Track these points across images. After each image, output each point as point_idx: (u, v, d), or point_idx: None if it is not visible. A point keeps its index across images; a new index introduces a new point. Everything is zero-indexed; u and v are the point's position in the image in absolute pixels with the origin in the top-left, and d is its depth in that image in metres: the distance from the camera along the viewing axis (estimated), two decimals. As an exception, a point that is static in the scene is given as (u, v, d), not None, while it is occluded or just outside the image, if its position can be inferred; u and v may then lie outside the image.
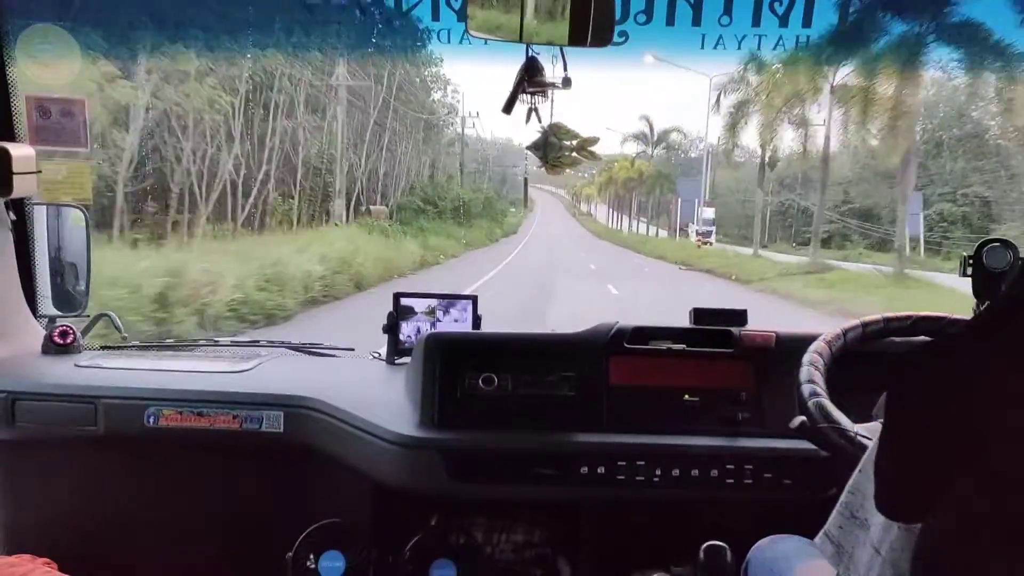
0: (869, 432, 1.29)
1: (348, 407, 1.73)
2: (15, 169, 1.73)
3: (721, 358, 1.79)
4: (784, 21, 2.19)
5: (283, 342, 2.21)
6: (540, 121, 1.52)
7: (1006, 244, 1.64)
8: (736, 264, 19.59)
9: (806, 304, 12.55)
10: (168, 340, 2.26)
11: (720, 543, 1.52)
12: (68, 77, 2.06)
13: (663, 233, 31.07)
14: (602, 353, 1.77)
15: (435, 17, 2.09)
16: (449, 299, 2.05)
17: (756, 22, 2.18)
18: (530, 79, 1.45)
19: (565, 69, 1.45)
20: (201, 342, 2.32)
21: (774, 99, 19.85)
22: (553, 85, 1.47)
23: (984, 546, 0.71)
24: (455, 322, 2.04)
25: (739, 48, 2.26)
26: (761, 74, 19.17)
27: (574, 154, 1.59)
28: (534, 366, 1.74)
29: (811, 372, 1.44)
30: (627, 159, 32.63)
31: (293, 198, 18.98)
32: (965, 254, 1.67)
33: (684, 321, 1.86)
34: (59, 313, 2.06)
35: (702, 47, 2.23)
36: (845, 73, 17.10)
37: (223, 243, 14.56)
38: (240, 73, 15.62)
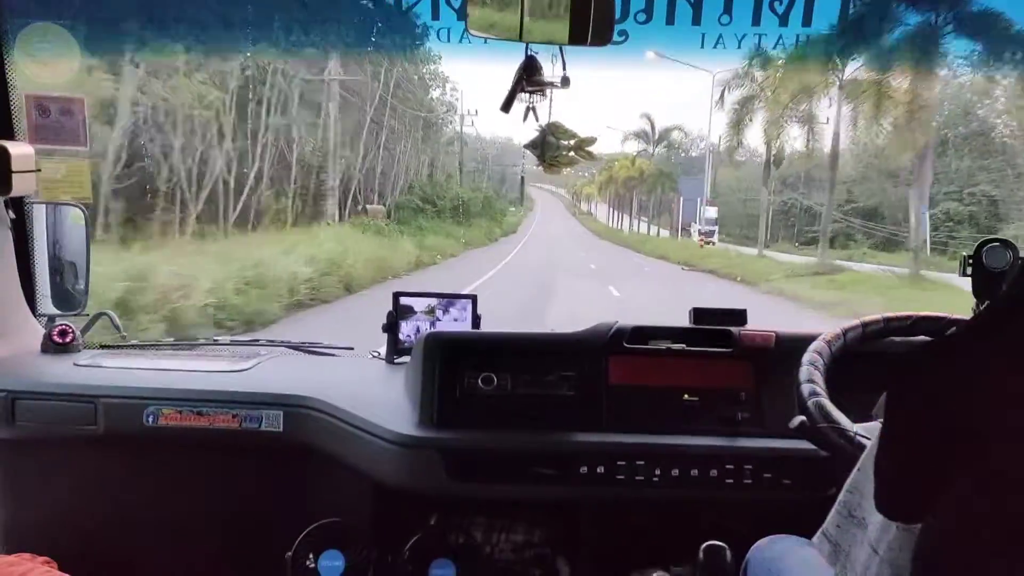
0: (868, 432, 1.29)
1: (347, 406, 1.73)
2: (14, 168, 1.73)
3: (721, 358, 1.79)
4: (784, 20, 2.19)
5: (283, 341, 2.21)
6: (537, 120, 1.52)
7: (1006, 244, 1.64)
8: (740, 264, 19.26)
9: (816, 307, 12.22)
10: (168, 339, 2.25)
11: (719, 543, 1.52)
12: (67, 76, 2.06)
13: (664, 233, 30.79)
14: (601, 353, 1.77)
15: (435, 16, 2.09)
16: (449, 298, 2.05)
17: (756, 21, 2.19)
18: (528, 78, 1.45)
19: (564, 68, 1.45)
20: (200, 341, 2.32)
21: (780, 95, 19.47)
22: (552, 84, 1.47)
23: (984, 546, 0.71)
24: (455, 321, 2.04)
25: (739, 47, 2.26)
26: (767, 69, 18.77)
27: (571, 154, 1.59)
28: (533, 366, 1.74)
29: (811, 372, 1.44)
30: (628, 158, 32.43)
31: (287, 196, 18.59)
32: (965, 254, 1.68)
33: (687, 324, 1.86)
34: (58, 312, 2.06)
35: (702, 46, 2.23)
36: (855, 67, 16.78)
37: (207, 243, 14.16)
38: (231, 68, 15.25)
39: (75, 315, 2.08)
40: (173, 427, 1.77)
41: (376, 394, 1.83)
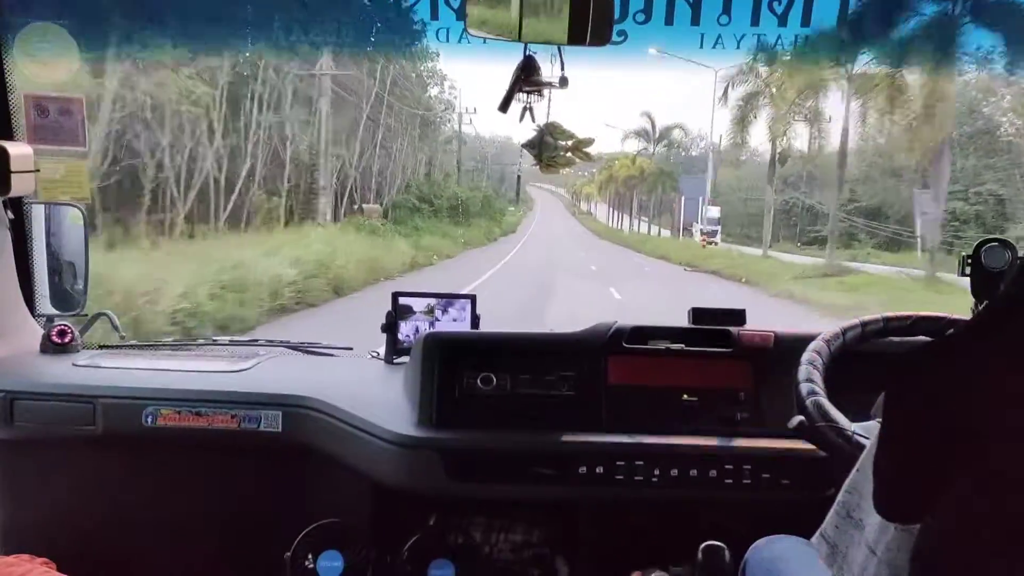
0: (867, 432, 1.29)
1: (346, 406, 1.72)
2: (13, 168, 1.72)
3: (720, 358, 1.79)
4: (783, 20, 2.19)
5: (282, 341, 2.21)
6: (534, 120, 1.52)
7: (1005, 244, 1.64)
8: (744, 265, 18.79)
9: (829, 311, 11.51)
10: (167, 340, 2.25)
11: (718, 543, 1.52)
12: (66, 75, 2.06)
13: (665, 232, 30.53)
14: (601, 353, 1.77)
15: (434, 16, 2.09)
16: (448, 298, 2.05)
17: (755, 21, 2.18)
18: (526, 78, 1.45)
19: (562, 68, 1.45)
20: (199, 341, 2.32)
21: (786, 91, 18.97)
22: (550, 84, 1.46)
23: (984, 546, 0.71)
24: (454, 321, 2.04)
25: (738, 47, 2.26)
26: (772, 65, 17.87)
27: (569, 154, 1.59)
28: (533, 366, 1.74)
29: (810, 371, 1.44)
30: (628, 157, 32.26)
31: (280, 196, 18.12)
32: (963, 254, 1.68)
33: (686, 324, 1.86)
34: (57, 312, 2.06)
35: (701, 46, 2.23)
36: (865, 61, 15.85)
37: (192, 243, 13.71)
38: (220, 63, 14.67)
39: (74, 315, 2.08)
40: (172, 427, 1.77)
41: (375, 394, 1.83)
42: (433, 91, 27.10)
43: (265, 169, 17.60)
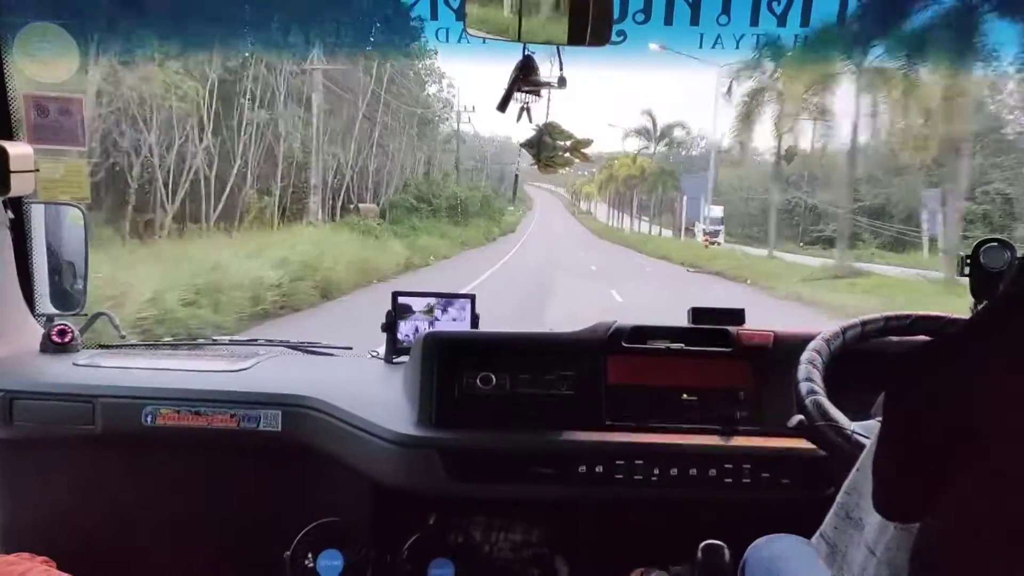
0: (866, 431, 1.29)
1: (346, 406, 1.73)
2: (13, 168, 1.72)
3: (719, 357, 1.79)
4: (783, 20, 2.19)
5: (281, 341, 2.21)
6: (531, 121, 1.52)
7: (1004, 244, 1.64)
8: (749, 266, 18.32)
9: (841, 314, 10.21)
10: (167, 339, 2.26)
11: (718, 542, 1.52)
12: (66, 75, 2.06)
13: (667, 232, 30.29)
14: (600, 352, 1.77)
15: (434, 15, 2.09)
16: (447, 298, 2.05)
17: (755, 21, 2.18)
18: (525, 78, 1.45)
19: (561, 69, 1.45)
20: (199, 341, 2.32)
21: (794, 85, 18.32)
22: (548, 84, 1.47)
23: (983, 546, 0.71)
24: (453, 321, 2.04)
25: (737, 47, 2.26)
26: (778, 60, 16.89)
27: (567, 155, 1.59)
28: (532, 365, 1.74)
29: (809, 370, 1.44)
30: (628, 156, 32.11)
31: (270, 194, 17.60)
32: (962, 253, 1.68)
33: (686, 324, 1.86)
34: (57, 312, 2.06)
35: (700, 46, 2.23)
36: (878, 54, 14.97)
37: (173, 244, 13.07)
38: (210, 57, 14.08)
39: (74, 315, 2.08)
40: (171, 427, 1.77)
41: (375, 394, 1.83)
42: (431, 89, 26.80)
43: (257, 167, 17.22)
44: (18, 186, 1.76)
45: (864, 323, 1.57)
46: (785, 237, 26.08)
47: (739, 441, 1.67)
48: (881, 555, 0.84)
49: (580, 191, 43.61)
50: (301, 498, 1.88)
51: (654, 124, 31.48)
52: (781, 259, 20.60)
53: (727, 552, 1.50)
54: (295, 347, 2.19)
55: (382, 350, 2.07)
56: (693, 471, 1.64)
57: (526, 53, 1.45)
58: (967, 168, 16.28)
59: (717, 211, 26.30)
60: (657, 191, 31.20)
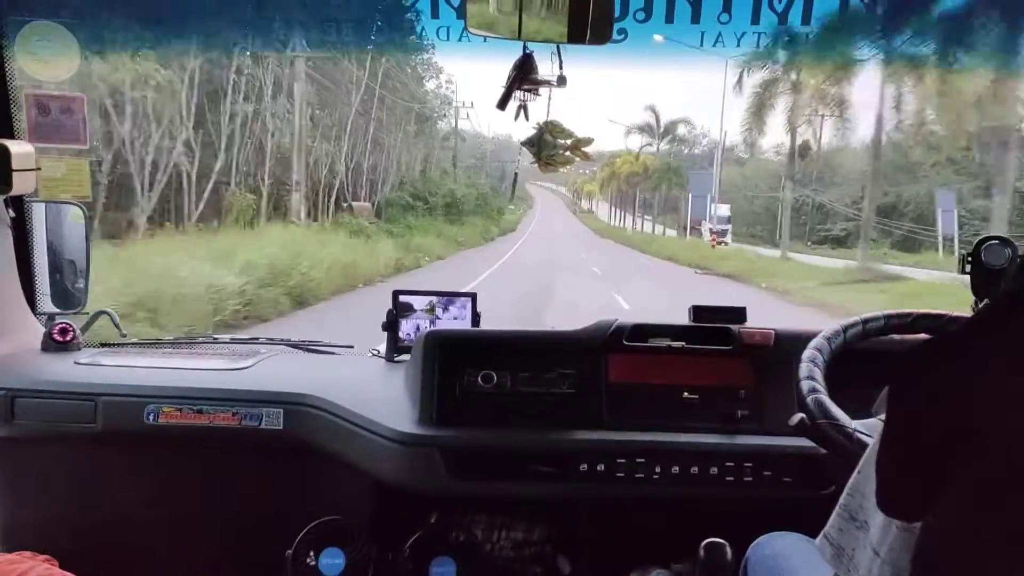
0: (868, 429, 1.29)
1: (348, 404, 1.73)
2: (14, 166, 1.73)
3: (720, 356, 1.79)
4: (784, 18, 2.19)
5: (282, 340, 2.21)
6: (528, 119, 1.52)
7: (1005, 241, 1.64)
8: (763, 268, 17.24)
9: None
10: (168, 337, 2.26)
11: (720, 540, 1.52)
12: (68, 74, 2.06)
13: (671, 232, 29.84)
14: (601, 350, 1.77)
15: (434, 14, 2.09)
16: (448, 296, 2.06)
17: (755, 20, 2.18)
18: (524, 76, 1.45)
19: (560, 67, 1.45)
20: (200, 339, 2.32)
21: (810, 76, 17.36)
22: (547, 83, 1.46)
23: (984, 546, 0.71)
24: (454, 319, 2.04)
25: (738, 45, 2.26)
26: (792, 49, 16.49)
27: (567, 153, 1.59)
28: (533, 363, 1.74)
29: (811, 369, 1.44)
30: (631, 153, 31.71)
31: (252, 192, 16.75)
32: (964, 251, 1.68)
33: (687, 322, 1.86)
34: (58, 310, 2.06)
35: (701, 44, 2.23)
36: (904, 40, 14.71)
37: (144, 245, 12.05)
38: (189, 48, 12.68)
39: (75, 313, 2.08)
40: (173, 425, 1.77)
41: (376, 392, 1.84)
42: (430, 85, 26.37)
43: (246, 164, 16.55)
44: (20, 185, 1.76)
45: (865, 321, 1.57)
46: (792, 236, 25.61)
47: (740, 439, 1.67)
48: (885, 556, 0.84)
49: (581, 189, 43.52)
50: (302, 496, 1.88)
51: (657, 120, 30.98)
52: (795, 260, 19.64)
53: (729, 550, 1.50)
54: (296, 345, 2.19)
55: (383, 348, 2.07)
56: (694, 469, 1.64)
57: (526, 52, 1.45)
58: (1013, 162, 15.58)
59: (724, 210, 25.79)
60: (661, 189, 30.75)
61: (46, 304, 2.05)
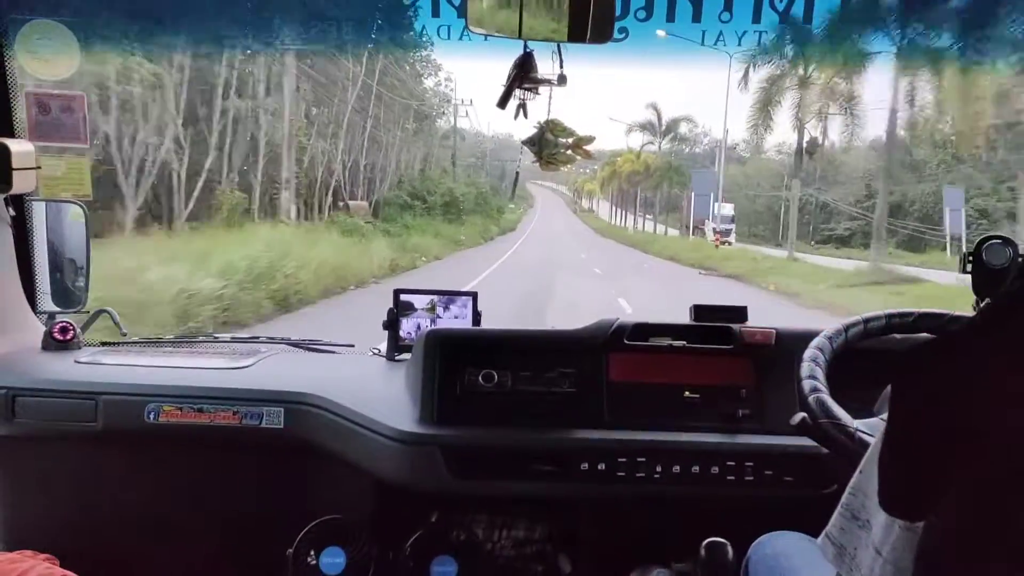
0: (869, 428, 1.29)
1: (348, 403, 1.73)
2: (14, 165, 1.73)
3: (721, 355, 1.79)
4: (785, 17, 2.19)
5: (283, 338, 2.21)
6: (527, 118, 1.52)
7: (1006, 241, 1.64)
8: (770, 268, 16.63)
9: None
10: (168, 336, 2.26)
11: (721, 539, 1.52)
12: (68, 72, 2.06)
13: (673, 231, 29.49)
14: (602, 349, 1.77)
15: (435, 13, 2.08)
16: (449, 295, 2.06)
17: (756, 18, 2.18)
18: (524, 75, 1.45)
19: (561, 66, 1.45)
20: (200, 338, 2.32)
21: (819, 70, 16.72)
22: (548, 82, 1.46)
23: (984, 546, 0.71)
24: (455, 318, 2.04)
25: (739, 44, 2.26)
26: (802, 42, 14.37)
27: (569, 152, 1.59)
28: (534, 362, 1.74)
29: (812, 368, 1.44)
30: (632, 152, 31.41)
31: (252, 190, 16.41)
32: (965, 251, 1.67)
33: (688, 321, 1.86)
34: (59, 309, 2.06)
35: (702, 43, 2.23)
36: (917, 32, 12.65)
37: (129, 244, 11.45)
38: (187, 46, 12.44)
39: (75, 312, 2.08)
40: (174, 424, 1.77)
41: (377, 391, 1.83)
42: (428, 82, 26.08)
43: (241, 161, 16.13)
44: (20, 183, 1.76)
45: (867, 320, 1.56)
46: (796, 236, 24.92)
47: (741, 439, 1.67)
48: (887, 555, 0.84)
49: (582, 188, 43.46)
50: (303, 495, 1.88)
51: (659, 118, 30.57)
52: (804, 261, 19.00)
53: (730, 549, 1.50)
54: (296, 344, 2.19)
55: (384, 347, 2.07)
56: (695, 469, 1.64)
57: (526, 50, 1.44)
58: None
59: (728, 209, 25.46)
60: (662, 188, 30.49)
61: (46, 303, 2.05)
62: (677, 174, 29.17)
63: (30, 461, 1.90)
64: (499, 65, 1.50)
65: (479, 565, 1.85)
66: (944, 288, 12.51)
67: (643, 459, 1.63)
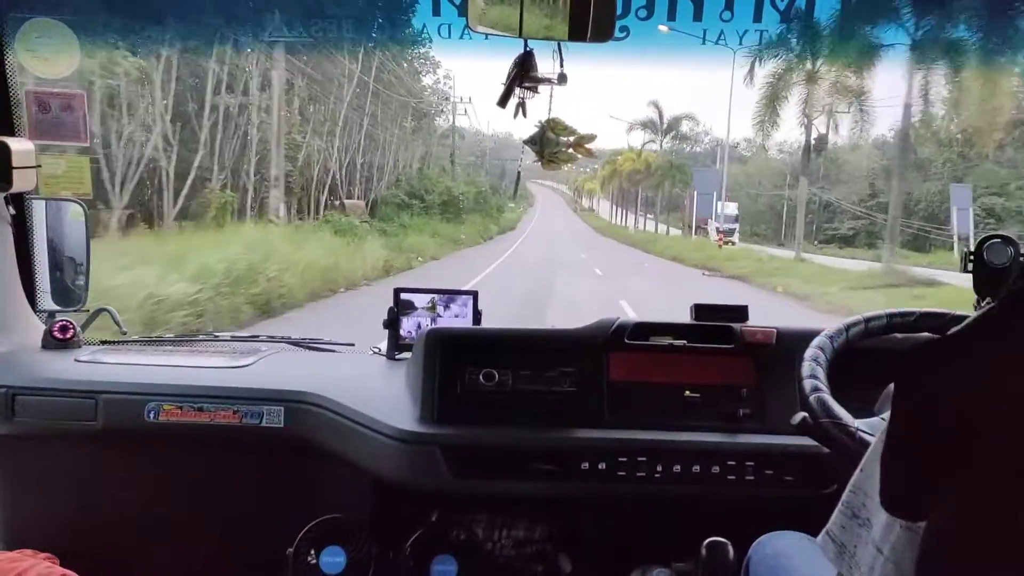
0: (871, 428, 1.29)
1: (348, 402, 1.73)
2: (15, 163, 1.72)
3: (722, 354, 1.79)
4: (786, 16, 2.19)
5: (283, 337, 2.21)
6: (526, 117, 1.52)
7: (1007, 240, 1.64)
8: (775, 269, 16.05)
9: None
10: (168, 336, 2.26)
11: (721, 539, 1.52)
12: (68, 71, 2.06)
13: (674, 231, 29.15)
14: (603, 349, 1.77)
15: (436, 12, 2.08)
16: (450, 294, 2.05)
17: (758, 17, 2.18)
18: (524, 73, 1.44)
19: (561, 65, 1.44)
20: (200, 337, 2.32)
21: (827, 64, 16.18)
22: (548, 81, 1.46)
23: (984, 546, 0.70)
24: (456, 317, 2.04)
25: (740, 44, 2.25)
26: (810, 36, 14.38)
27: (570, 150, 1.59)
28: (534, 362, 1.74)
29: (813, 367, 1.44)
30: (633, 150, 31.14)
31: (244, 189, 16.09)
32: (966, 250, 1.67)
33: (689, 320, 1.86)
34: (58, 308, 2.06)
35: (703, 42, 2.23)
36: (930, 24, 12.87)
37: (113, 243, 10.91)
38: (185, 45, 12.30)
39: (75, 311, 2.08)
40: (174, 423, 1.77)
41: (377, 390, 1.83)
42: (427, 80, 25.86)
43: (232, 158, 15.85)
44: (20, 182, 1.76)
45: (868, 320, 1.56)
46: (802, 236, 25.14)
47: (742, 438, 1.67)
48: (888, 554, 0.84)
49: (582, 187, 43.40)
50: (303, 495, 1.88)
51: (660, 116, 30.07)
52: (811, 261, 18.45)
53: (731, 549, 1.50)
54: (297, 343, 2.19)
55: (384, 346, 2.07)
56: (696, 468, 1.64)
57: (527, 49, 1.44)
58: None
59: (732, 208, 25.14)
60: (664, 187, 30.19)
61: (46, 301, 2.05)
62: (679, 173, 28.85)
63: (30, 460, 1.90)
64: (499, 64, 1.50)
65: (479, 564, 1.85)
66: (968, 292, 12.27)
67: (643, 458, 1.63)
